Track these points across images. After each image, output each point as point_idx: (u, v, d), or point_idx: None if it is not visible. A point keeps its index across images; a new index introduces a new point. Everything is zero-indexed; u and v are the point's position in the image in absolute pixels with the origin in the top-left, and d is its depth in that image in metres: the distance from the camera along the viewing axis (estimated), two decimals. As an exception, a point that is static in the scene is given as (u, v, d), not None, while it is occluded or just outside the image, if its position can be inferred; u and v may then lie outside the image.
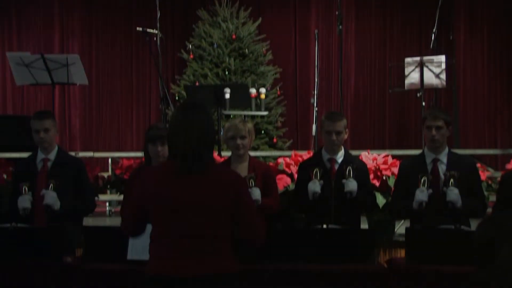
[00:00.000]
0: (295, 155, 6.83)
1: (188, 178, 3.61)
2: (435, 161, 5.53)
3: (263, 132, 11.37)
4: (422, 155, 5.62)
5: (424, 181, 5.29)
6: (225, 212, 3.62)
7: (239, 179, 3.78)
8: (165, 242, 3.61)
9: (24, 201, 5.53)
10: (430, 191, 5.27)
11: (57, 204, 5.56)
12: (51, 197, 5.53)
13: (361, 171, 5.59)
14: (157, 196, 3.61)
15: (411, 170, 5.55)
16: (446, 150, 5.58)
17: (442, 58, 9.39)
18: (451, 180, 5.26)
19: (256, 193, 5.39)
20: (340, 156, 5.67)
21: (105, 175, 7.38)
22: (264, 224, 3.85)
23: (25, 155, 6.26)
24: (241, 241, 3.72)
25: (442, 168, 5.50)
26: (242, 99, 8.68)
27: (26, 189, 5.57)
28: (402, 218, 5.80)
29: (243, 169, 5.61)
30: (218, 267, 3.58)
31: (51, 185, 5.55)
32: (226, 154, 7.47)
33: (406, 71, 9.48)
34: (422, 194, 5.27)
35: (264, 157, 9.86)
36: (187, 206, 3.57)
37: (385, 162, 6.54)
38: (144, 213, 3.67)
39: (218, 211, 3.60)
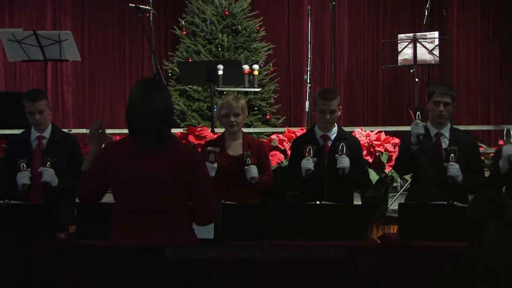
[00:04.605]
0: (288, 131, 6.85)
1: (148, 154, 3.68)
2: (438, 135, 5.55)
3: (256, 108, 11.36)
4: (425, 129, 5.58)
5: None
6: (182, 186, 3.69)
7: (195, 154, 3.87)
8: (126, 215, 3.70)
9: (24, 177, 5.53)
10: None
11: (55, 181, 5.56)
12: (49, 174, 5.53)
13: (354, 147, 5.56)
14: (118, 171, 3.69)
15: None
16: (449, 125, 5.60)
17: (435, 34, 9.38)
18: (452, 155, 5.27)
19: (253, 171, 5.40)
20: (333, 133, 5.64)
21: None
22: (217, 204, 3.91)
23: (17, 131, 6.22)
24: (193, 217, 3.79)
25: (445, 142, 5.52)
26: (235, 76, 8.66)
27: (24, 165, 5.56)
28: (405, 164, 5.68)
29: (237, 146, 5.62)
30: (176, 238, 3.65)
31: (48, 162, 5.55)
32: (219, 130, 7.48)
33: (399, 47, 9.48)
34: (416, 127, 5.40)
35: (258, 134, 9.87)
36: (146, 181, 3.65)
37: (378, 139, 6.56)
38: (104, 184, 3.77)
39: (176, 185, 3.68)
